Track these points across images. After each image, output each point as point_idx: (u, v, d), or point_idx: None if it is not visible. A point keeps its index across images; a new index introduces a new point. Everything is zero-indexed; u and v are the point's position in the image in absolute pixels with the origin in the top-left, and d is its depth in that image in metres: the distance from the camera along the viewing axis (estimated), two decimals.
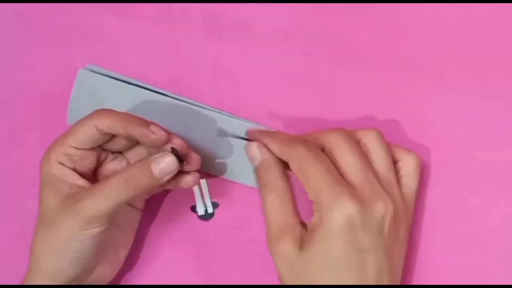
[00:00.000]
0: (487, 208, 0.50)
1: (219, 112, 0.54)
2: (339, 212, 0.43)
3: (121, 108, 0.55)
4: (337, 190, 0.44)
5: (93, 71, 0.56)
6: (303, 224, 0.46)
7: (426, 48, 0.52)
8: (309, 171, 0.45)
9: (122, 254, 0.52)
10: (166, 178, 0.47)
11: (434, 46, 0.52)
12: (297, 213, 0.47)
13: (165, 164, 0.47)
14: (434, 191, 0.51)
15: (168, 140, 0.48)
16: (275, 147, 0.48)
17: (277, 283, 0.53)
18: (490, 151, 0.51)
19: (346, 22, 0.53)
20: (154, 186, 0.48)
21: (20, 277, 0.50)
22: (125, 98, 0.55)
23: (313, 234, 0.44)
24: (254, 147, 0.49)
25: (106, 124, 0.48)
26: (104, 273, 0.51)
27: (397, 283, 0.47)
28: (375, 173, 0.46)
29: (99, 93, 0.56)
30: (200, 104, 0.55)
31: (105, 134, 0.49)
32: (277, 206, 0.47)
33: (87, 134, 0.48)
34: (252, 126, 0.53)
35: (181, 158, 0.48)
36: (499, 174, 0.50)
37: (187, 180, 0.49)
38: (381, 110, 0.52)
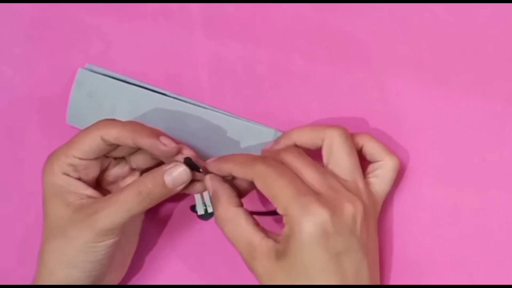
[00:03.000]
0: (487, 206, 0.50)
1: (219, 112, 0.54)
2: (309, 222, 0.43)
3: (120, 108, 0.55)
4: (304, 200, 0.44)
5: (92, 71, 0.56)
6: (270, 235, 0.46)
7: (426, 48, 0.52)
8: (273, 187, 0.45)
9: (128, 258, 0.53)
10: (179, 188, 0.48)
11: (434, 46, 0.52)
12: (258, 228, 0.47)
13: (178, 174, 0.47)
14: (433, 189, 0.51)
15: (179, 151, 0.48)
16: (237, 170, 0.47)
17: None
18: (489, 149, 0.51)
19: (346, 21, 0.53)
20: (167, 196, 0.48)
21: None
22: (124, 98, 0.55)
23: (288, 245, 0.44)
24: (207, 180, 0.49)
25: (113, 135, 0.48)
26: (113, 279, 0.52)
27: (377, 277, 0.48)
28: (336, 177, 0.47)
29: (99, 93, 0.55)
30: (200, 104, 0.55)
31: (111, 144, 0.49)
32: (237, 232, 0.47)
33: (93, 144, 0.48)
34: (251, 125, 0.53)
35: (195, 167, 0.48)
36: (499, 172, 0.50)
37: (197, 187, 0.49)
38: (380, 109, 0.52)
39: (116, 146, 0.49)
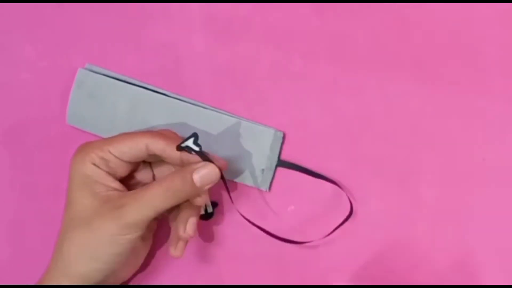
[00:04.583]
0: (487, 206, 0.50)
1: (219, 112, 0.54)
2: None
3: (120, 108, 0.55)
4: None
5: (92, 71, 0.56)
6: None
7: (426, 48, 0.52)
8: None
9: (141, 258, 0.53)
10: (207, 187, 0.48)
11: (434, 46, 0.52)
12: None
13: (207, 173, 0.47)
14: (434, 189, 0.51)
15: (226, 168, 0.49)
16: None
17: (277, 282, 0.53)
18: (489, 149, 0.51)
19: (346, 22, 0.53)
20: (194, 195, 0.48)
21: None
22: (124, 98, 0.55)
23: None
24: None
25: (160, 146, 0.48)
26: (123, 276, 0.52)
27: None
28: None
29: (98, 93, 0.55)
30: (200, 104, 0.55)
31: (152, 155, 0.49)
32: None
33: (134, 149, 0.48)
34: (251, 125, 0.53)
35: (197, 146, 0.47)
36: (499, 172, 0.50)
37: (197, 200, 0.49)
38: (380, 110, 0.52)
39: (154, 156, 0.50)
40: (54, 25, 0.58)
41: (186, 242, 0.50)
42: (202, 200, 0.49)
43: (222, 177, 0.48)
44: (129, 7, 0.57)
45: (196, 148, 0.47)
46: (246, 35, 0.55)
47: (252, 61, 0.54)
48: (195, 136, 0.47)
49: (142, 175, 0.52)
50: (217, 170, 0.47)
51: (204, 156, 0.47)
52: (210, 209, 0.53)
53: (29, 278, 0.50)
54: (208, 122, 0.54)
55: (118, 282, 0.52)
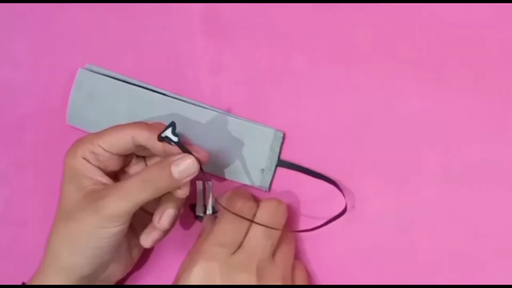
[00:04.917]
0: (487, 206, 0.50)
1: (219, 112, 0.54)
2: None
3: (120, 108, 0.55)
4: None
5: (92, 71, 0.56)
6: None
7: (426, 48, 0.52)
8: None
9: (136, 254, 0.53)
10: (186, 180, 0.47)
11: (434, 45, 0.52)
12: None
13: (185, 166, 0.47)
14: (434, 189, 0.51)
15: (207, 160, 0.49)
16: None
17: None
18: (489, 149, 0.50)
19: (346, 21, 0.53)
20: (173, 188, 0.47)
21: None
22: (124, 98, 0.55)
23: None
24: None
25: (144, 137, 0.48)
26: (117, 272, 0.51)
27: None
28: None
29: (98, 93, 0.56)
30: (200, 104, 0.55)
31: (139, 146, 0.49)
32: None
33: (121, 141, 0.48)
34: (252, 125, 0.53)
35: (174, 136, 0.47)
36: (498, 172, 0.50)
37: (178, 192, 0.48)
38: (381, 109, 0.52)
39: (141, 147, 0.50)
40: (54, 25, 0.58)
41: (161, 234, 0.49)
42: (183, 193, 0.48)
43: (201, 169, 0.47)
44: (129, 7, 0.57)
45: (175, 139, 0.47)
46: (246, 35, 0.55)
47: (252, 61, 0.54)
48: (172, 125, 0.47)
49: (136, 169, 0.52)
50: (196, 162, 0.47)
51: (183, 147, 0.47)
52: (209, 211, 0.53)
53: (26, 277, 0.50)
54: (208, 122, 0.54)
55: (112, 280, 0.52)
